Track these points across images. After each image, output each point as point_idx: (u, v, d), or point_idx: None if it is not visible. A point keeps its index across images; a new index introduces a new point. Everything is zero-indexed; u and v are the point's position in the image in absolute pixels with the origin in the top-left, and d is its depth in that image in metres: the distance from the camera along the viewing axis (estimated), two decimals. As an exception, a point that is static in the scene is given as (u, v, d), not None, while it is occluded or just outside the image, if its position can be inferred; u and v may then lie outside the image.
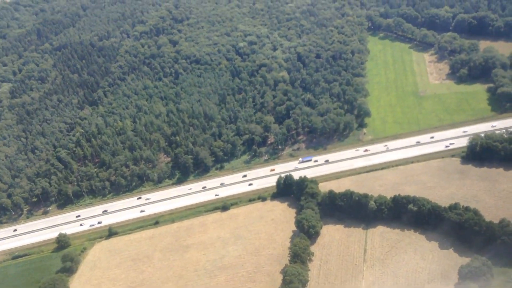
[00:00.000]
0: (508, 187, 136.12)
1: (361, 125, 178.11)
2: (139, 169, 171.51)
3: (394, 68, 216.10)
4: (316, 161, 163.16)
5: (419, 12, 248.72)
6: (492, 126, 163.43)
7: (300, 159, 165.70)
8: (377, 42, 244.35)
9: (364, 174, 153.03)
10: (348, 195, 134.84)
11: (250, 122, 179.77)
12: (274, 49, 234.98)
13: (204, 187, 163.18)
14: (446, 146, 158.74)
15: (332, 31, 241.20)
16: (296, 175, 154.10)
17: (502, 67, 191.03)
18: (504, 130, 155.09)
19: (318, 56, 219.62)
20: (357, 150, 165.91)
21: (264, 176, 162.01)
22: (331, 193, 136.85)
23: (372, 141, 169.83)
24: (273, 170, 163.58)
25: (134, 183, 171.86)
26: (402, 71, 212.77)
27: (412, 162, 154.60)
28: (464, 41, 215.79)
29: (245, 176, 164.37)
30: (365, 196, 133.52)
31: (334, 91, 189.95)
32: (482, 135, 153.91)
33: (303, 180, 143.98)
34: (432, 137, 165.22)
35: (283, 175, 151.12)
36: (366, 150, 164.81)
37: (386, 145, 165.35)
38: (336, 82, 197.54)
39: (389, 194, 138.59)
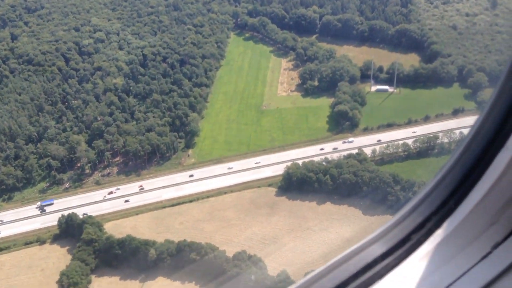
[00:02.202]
0: (313, 226, 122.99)
1: (189, 146, 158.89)
2: None
3: (247, 76, 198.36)
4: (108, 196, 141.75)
5: (287, 12, 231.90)
6: (321, 149, 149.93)
7: (39, 203, 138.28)
8: (241, 44, 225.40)
9: (168, 209, 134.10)
10: (127, 242, 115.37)
11: (56, 141, 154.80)
12: (121, 48, 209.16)
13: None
14: (273, 172, 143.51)
15: (190, 30, 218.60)
16: (94, 209, 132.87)
17: (351, 80, 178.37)
18: (324, 157, 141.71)
19: (164, 60, 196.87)
20: (173, 176, 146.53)
21: (58, 211, 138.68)
22: (108, 239, 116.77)
23: (194, 165, 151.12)
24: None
25: None
26: (254, 79, 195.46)
27: (225, 193, 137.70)
28: (321, 47, 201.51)
29: (40, 208, 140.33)
30: (146, 243, 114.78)
31: (166, 104, 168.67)
32: (301, 162, 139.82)
33: (83, 221, 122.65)
34: (257, 162, 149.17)
35: (68, 212, 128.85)
36: (191, 175, 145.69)
37: (213, 169, 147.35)
38: (174, 92, 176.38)
39: (186, 235, 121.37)
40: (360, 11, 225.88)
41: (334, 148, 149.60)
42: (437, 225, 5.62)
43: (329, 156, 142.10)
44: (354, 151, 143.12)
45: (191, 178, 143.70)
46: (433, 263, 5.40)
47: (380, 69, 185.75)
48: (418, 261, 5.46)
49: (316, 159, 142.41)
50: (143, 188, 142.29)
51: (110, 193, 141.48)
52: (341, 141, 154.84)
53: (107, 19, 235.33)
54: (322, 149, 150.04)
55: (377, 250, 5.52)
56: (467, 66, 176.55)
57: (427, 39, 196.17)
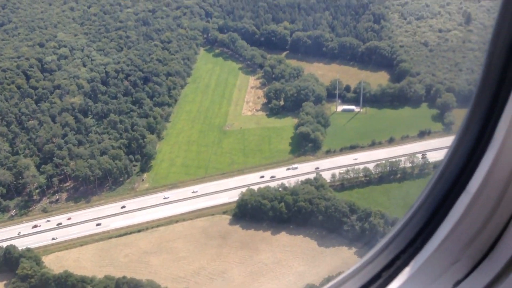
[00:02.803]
0: (265, 258, 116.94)
1: (144, 169, 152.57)
2: None
3: (213, 94, 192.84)
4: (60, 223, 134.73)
5: (258, 28, 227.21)
6: (271, 177, 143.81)
7: None
8: (210, 60, 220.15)
9: (115, 239, 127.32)
10: (63, 279, 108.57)
11: (4, 165, 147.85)
12: (84, 65, 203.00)
13: None
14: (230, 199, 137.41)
15: (157, 46, 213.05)
16: (37, 240, 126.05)
17: (317, 100, 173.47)
18: (281, 182, 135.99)
19: (127, 77, 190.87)
20: (123, 205, 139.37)
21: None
22: (44, 275, 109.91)
23: (147, 191, 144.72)
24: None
25: None
26: (220, 97, 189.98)
27: (177, 221, 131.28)
28: (288, 64, 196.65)
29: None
30: (83, 280, 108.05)
31: (123, 126, 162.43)
32: (258, 187, 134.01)
33: (20, 255, 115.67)
34: (215, 187, 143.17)
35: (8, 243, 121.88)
36: (142, 202, 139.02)
37: (164, 197, 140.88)
38: (133, 112, 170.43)
39: (129, 269, 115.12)
40: (331, 27, 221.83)
41: (290, 168, 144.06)
42: (405, 263, 5.93)
43: (286, 182, 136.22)
44: (313, 176, 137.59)
45: (142, 205, 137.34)
46: None
47: (347, 88, 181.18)
48: None
49: (273, 184, 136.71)
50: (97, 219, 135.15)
51: (59, 224, 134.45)
52: (303, 164, 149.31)
53: (73, 34, 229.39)
54: (273, 176, 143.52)
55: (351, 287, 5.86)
56: (435, 86, 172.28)
57: (396, 56, 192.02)
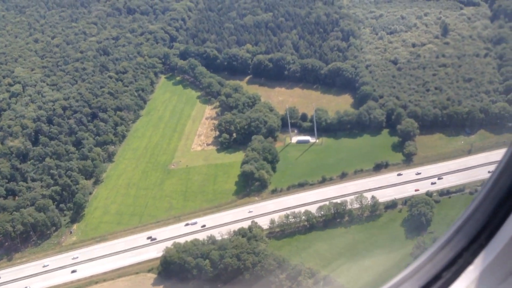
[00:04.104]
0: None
1: (75, 220, 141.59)
2: None
3: (165, 127, 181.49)
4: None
5: (220, 52, 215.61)
6: (202, 226, 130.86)
7: None
8: (169, 89, 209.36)
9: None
10: None
11: None
12: (33, 101, 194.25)
13: None
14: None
15: (111, 77, 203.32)
16: None
17: (270, 131, 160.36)
18: (211, 234, 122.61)
19: (75, 113, 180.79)
20: (46, 263, 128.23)
21: None
22: None
23: (73, 245, 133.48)
24: None
25: None
26: (172, 131, 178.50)
27: (97, 282, 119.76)
28: (244, 92, 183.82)
29: None
30: None
31: (58, 171, 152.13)
32: (185, 241, 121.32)
33: None
34: (149, 237, 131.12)
35: None
36: (64, 260, 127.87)
37: (92, 251, 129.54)
38: (72, 154, 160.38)
39: None
40: (296, 48, 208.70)
41: (190, 223, 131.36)
42: (468, 262, 5.43)
43: (217, 233, 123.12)
44: (248, 223, 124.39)
45: (63, 264, 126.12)
46: None
47: (304, 117, 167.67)
48: None
49: (201, 236, 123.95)
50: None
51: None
52: (245, 207, 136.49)
53: (31, 69, 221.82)
54: (203, 226, 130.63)
55: None
56: (397, 110, 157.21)
57: (359, 78, 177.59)
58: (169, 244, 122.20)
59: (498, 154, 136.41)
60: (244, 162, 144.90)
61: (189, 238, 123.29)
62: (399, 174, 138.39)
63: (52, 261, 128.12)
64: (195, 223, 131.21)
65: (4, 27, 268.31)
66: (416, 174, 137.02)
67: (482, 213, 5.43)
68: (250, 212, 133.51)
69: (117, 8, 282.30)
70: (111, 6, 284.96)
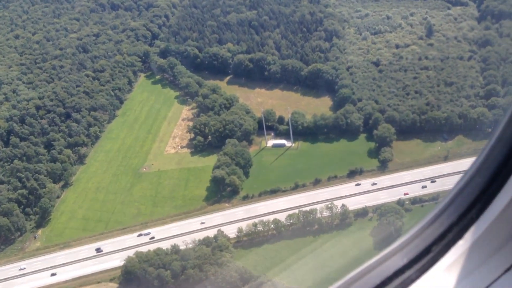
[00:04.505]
0: None
1: (40, 225, 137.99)
2: None
3: (140, 129, 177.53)
4: None
5: (201, 50, 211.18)
6: (153, 238, 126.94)
7: None
8: (147, 88, 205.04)
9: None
10: None
11: None
12: (8, 100, 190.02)
13: None
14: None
15: (88, 76, 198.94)
16: None
17: (243, 136, 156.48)
18: (174, 243, 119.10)
19: (49, 113, 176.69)
20: (9, 267, 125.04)
21: None
22: None
23: (37, 252, 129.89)
24: None
25: None
26: (146, 133, 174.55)
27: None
28: (222, 93, 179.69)
29: None
30: None
31: (25, 174, 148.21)
32: (147, 250, 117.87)
33: None
34: (111, 245, 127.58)
35: None
36: (22, 268, 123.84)
37: (55, 258, 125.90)
38: (42, 156, 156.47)
39: None
40: (278, 48, 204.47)
41: (142, 234, 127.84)
42: (458, 236, 5.51)
43: (181, 241, 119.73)
44: (215, 232, 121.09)
45: (23, 271, 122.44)
46: (455, 276, 5.32)
47: (281, 120, 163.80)
48: (440, 273, 5.38)
49: (166, 244, 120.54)
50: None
51: None
52: (215, 214, 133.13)
53: (8, 66, 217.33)
54: (168, 236, 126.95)
55: (398, 262, 5.46)
56: (374, 115, 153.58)
57: (339, 80, 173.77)
58: (131, 252, 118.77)
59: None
60: (216, 167, 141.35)
61: (152, 247, 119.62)
62: (373, 184, 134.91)
63: (13, 268, 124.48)
64: (148, 233, 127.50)
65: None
66: (389, 181, 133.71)
67: (473, 187, 5.38)
68: (218, 219, 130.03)
69: (100, 4, 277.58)
70: (95, 2, 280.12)
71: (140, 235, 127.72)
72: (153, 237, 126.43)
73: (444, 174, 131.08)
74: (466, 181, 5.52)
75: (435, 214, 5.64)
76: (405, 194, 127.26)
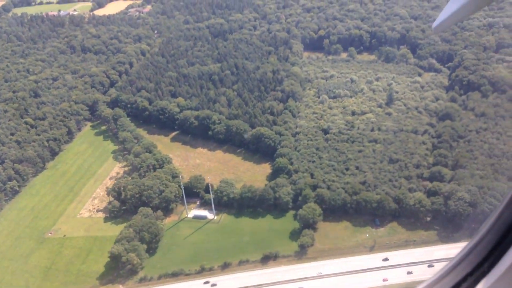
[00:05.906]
0: None
1: None
2: None
3: (64, 185, 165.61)
4: None
5: (151, 103, 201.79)
6: None
7: None
8: (88, 140, 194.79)
9: None
10: None
11: None
12: None
13: None
14: None
15: (27, 123, 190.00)
16: None
17: (162, 203, 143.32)
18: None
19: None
20: None
21: None
22: None
23: None
24: None
25: None
26: (68, 190, 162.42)
27: None
28: (155, 153, 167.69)
29: None
30: None
31: None
32: None
33: None
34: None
35: None
36: None
37: None
38: None
39: None
40: (229, 105, 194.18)
41: None
42: (472, 286, 5.91)
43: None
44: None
45: None
46: None
47: (208, 188, 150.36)
48: None
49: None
50: None
51: None
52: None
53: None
54: None
55: None
56: (305, 191, 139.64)
57: (279, 148, 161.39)
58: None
59: (403, 255, 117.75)
60: (116, 241, 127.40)
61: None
62: (286, 271, 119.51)
63: None
64: None
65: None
66: (302, 271, 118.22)
67: (488, 241, 5.81)
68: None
69: (71, 46, 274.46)
70: (67, 44, 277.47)
71: None
72: None
73: (363, 269, 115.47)
74: (481, 236, 5.82)
75: (453, 264, 5.95)
76: None
